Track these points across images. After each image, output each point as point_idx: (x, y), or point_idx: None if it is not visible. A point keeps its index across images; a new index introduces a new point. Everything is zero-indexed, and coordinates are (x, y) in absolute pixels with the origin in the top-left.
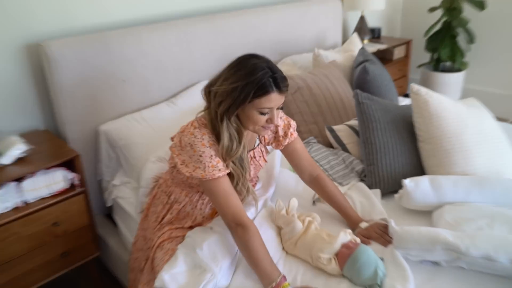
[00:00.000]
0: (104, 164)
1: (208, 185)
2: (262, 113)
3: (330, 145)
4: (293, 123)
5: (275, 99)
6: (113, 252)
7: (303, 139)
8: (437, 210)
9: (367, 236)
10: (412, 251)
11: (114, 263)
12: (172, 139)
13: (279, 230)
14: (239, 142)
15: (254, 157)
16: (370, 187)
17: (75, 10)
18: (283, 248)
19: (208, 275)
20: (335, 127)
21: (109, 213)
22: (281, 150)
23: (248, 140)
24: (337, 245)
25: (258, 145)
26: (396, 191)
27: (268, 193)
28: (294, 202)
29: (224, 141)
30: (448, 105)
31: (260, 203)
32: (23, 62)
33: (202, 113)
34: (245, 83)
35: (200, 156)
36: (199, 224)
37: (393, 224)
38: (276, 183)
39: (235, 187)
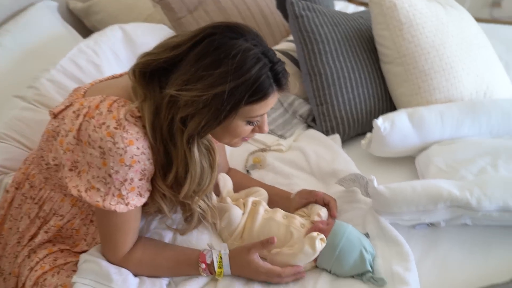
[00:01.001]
0: None
1: (104, 215)
2: (251, 123)
3: None
4: None
5: (272, 101)
6: None
7: None
8: (421, 154)
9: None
10: (404, 216)
11: None
12: (54, 115)
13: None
14: (212, 169)
15: None
16: (325, 134)
17: None
18: None
19: None
20: None
21: None
22: None
23: None
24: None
25: None
26: (360, 135)
27: None
28: (225, 180)
29: (194, 174)
30: (422, 8)
31: None
32: None
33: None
34: (233, 86)
35: (110, 175)
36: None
37: (375, 184)
38: None
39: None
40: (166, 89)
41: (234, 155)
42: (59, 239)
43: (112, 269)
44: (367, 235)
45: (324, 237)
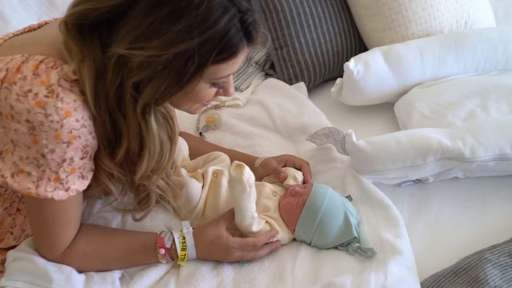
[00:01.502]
0: None
1: (37, 204)
2: (216, 84)
3: None
4: None
5: (242, 58)
6: None
7: None
8: (401, 99)
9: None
10: (390, 174)
11: None
12: None
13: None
14: (172, 141)
15: None
16: (287, 82)
17: None
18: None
19: None
20: None
21: None
22: None
23: None
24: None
25: None
26: (328, 82)
27: None
28: (179, 145)
29: (153, 150)
30: None
31: None
32: None
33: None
34: (199, 43)
35: (44, 156)
36: None
37: (354, 139)
38: None
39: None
40: (112, 47)
41: (183, 115)
42: None
43: (51, 266)
44: (349, 198)
45: (242, 163)
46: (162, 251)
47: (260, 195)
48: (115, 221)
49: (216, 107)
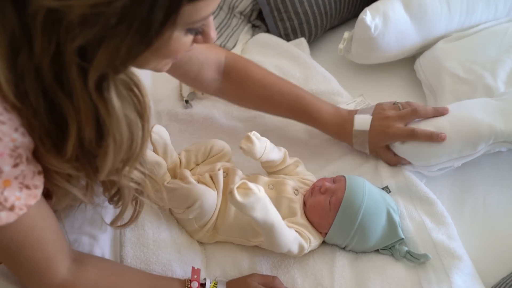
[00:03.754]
0: None
1: None
2: (192, 30)
3: None
4: None
5: None
6: None
7: None
8: (424, 57)
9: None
10: (434, 168)
11: None
12: None
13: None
14: (143, 118)
15: None
16: (284, 38)
17: None
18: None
19: None
20: None
21: None
22: None
23: None
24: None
25: None
26: (328, 32)
27: None
28: (159, 132)
29: (120, 137)
30: None
31: None
32: None
33: None
34: None
35: None
36: None
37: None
38: None
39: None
40: (33, 0)
41: (159, 81)
42: None
43: None
44: (387, 189)
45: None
46: (196, 284)
47: (281, 197)
48: (104, 237)
49: None
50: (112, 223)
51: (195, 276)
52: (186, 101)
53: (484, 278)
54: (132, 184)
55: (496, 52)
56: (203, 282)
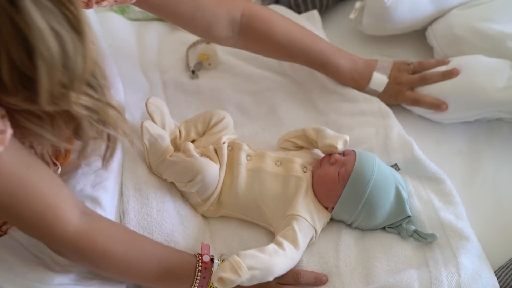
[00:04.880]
0: None
1: None
2: None
3: None
4: None
5: None
6: None
7: None
8: (436, 24)
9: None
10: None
11: None
12: None
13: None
14: (78, 31)
15: None
16: (294, 10)
17: None
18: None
19: None
20: None
21: None
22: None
23: None
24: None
25: None
26: (338, 3)
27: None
28: (159, 106)
29: (48, 53)
30: None
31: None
32: None
33: None
34: None
35: None
36: None
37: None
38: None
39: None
40: None
41: (165, 50)
42: None
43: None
44: (396, 167)
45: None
46: (207, 258)
47: (288, 175)
48: (107, 203)
49: (209, 42)
50: (80, 157)
51: (205, 251)
52: (193, 71)
53: (492, 259)
54: (86, 112)
55: None
56: (211, 257)
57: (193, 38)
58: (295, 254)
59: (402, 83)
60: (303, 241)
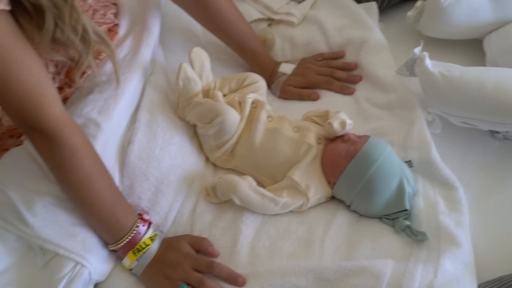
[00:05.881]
0: None
1: None
2: None
3: None
4: None
5: None
6: None
7: None
8: (496, 32)
9: (306, 85)
10: (454, 119)
11: None
12: None
13: (194, 129)
14: None
15: None
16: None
17: None
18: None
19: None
20: None
21: None
22: None
23: None
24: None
25: None
26: (404, 4)
27: (148, 46)
28: (199, 55)
29: None
30: None
31: (133, 74)
32: None
33: None
34: None
35: None
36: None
37: (427, 62)
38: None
39: (54, 34)
40: None
41: None
42: None
43: (22, 205)
44: (409, 164)
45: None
46: (143, 228)
47: (302, 141)
48: (110, 128)
49: (268, 22)
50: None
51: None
52: None
53: (484, 273)
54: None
55: None
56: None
57: (255, 14)
58: (269, 203)
59: (310, 68)
60: (285, 200)
